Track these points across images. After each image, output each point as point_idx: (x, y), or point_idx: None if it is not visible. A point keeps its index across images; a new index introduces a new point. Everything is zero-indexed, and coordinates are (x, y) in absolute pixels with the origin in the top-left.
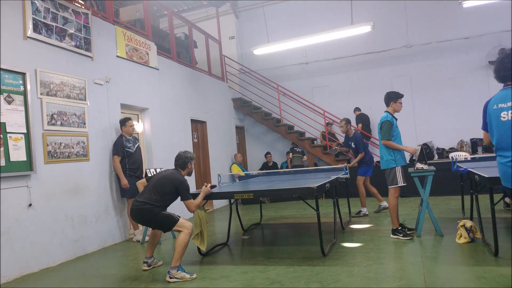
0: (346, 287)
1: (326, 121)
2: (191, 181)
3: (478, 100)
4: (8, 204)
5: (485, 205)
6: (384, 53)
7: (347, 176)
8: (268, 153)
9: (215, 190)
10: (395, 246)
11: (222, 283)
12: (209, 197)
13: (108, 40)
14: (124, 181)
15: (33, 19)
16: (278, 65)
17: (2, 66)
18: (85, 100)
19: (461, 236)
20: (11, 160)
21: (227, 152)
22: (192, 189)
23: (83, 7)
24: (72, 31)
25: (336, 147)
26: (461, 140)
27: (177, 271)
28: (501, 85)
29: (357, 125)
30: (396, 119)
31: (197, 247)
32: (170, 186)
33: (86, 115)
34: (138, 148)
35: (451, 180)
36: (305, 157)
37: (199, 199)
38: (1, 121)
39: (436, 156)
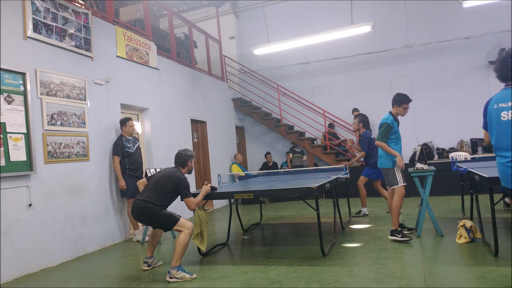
0: (346, 287)
1: (328, 122)
2: (191, 181)
3: (478, 100)
4: (8, 204)
5: (485, 205)
6: (384, 53)
7: (347, 176)
8: (268, 153)
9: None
10: (395, 246)
11: (222, 283)
12: (209, 197)
13: (108, 40)
14: (122, 182)
15: (33, 19)
16: (278, 65)
17: (2, 66)
18: (85, 100)
19: (461, 236)
20: (11, 160)
21: (227, 152)
22: (192, 189)
23: (83, 7)
24: (72, 31)
25: (348, 143)
26: (461, 140)
27: (177, 271)
28: (502, 85)
29: None
30: (398, 122)
31: (197, 247)
32: (170, 185)
33: (86, 115)
34: (138, 148)
35: (451, 180)
36: (304, 157)
37: (199, 197)
38: (1, 121)
39: (436, 156)
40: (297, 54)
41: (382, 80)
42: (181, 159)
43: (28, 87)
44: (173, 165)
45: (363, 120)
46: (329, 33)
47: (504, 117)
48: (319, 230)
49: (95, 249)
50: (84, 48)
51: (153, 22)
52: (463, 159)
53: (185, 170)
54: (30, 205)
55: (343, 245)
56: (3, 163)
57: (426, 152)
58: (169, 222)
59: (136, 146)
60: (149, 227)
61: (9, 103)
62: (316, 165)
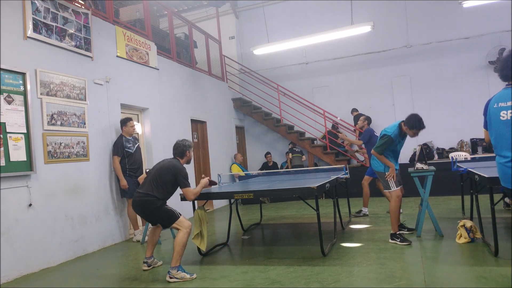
0: (346, 287)
1: (328, 122)
2: (191, 180)
3: (478, 100)
4: (8, 204)
5: (485, 205)
6: (384, 53)
7: (347, 176)
8: (268, 153)
9: (215, 189)
10: (395, 246)
11: (222, 283)
12: (209, 197)
13: (108, 40)
14: (123, 182)
15: (33, 19)
16: (278, 65)
17: (2, 66)
18: (85, 100)
19: (461, 236)
20: (11, 160)
21: (227, 152)
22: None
23: (83, 7)
24: (72, 31)
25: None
26: (461, 140)
27: (177, 271)
28: (502, 85)
29: (355, 125)
30: (405, 137)
31: (197, 247)
32: (169, 175)
33: (86, 115)
34: (138, 148)
35: (451, 180)
36: (304, 157)
37: (198, 188)
38: (1, 121)
39: (436, 156)
40: (297, 54)
41: (382, 80)
42: (180, 149)
43: (28, 87)
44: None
45: (368, 119)
46: (329, 33)
47: (503, 117)
48: (319, 230)
49: (95, 249)
50: (84, 48)
51: (153, 22)
52: (463, 159)
53: (184, 161)
54: (30, 205)
55: (343, 245)
56: (3, 163)
57: (426, 152)
58: (169, 218)
59: (136, 146)
60: (148, 227)
61: (9, 103)
62: (316, 165)
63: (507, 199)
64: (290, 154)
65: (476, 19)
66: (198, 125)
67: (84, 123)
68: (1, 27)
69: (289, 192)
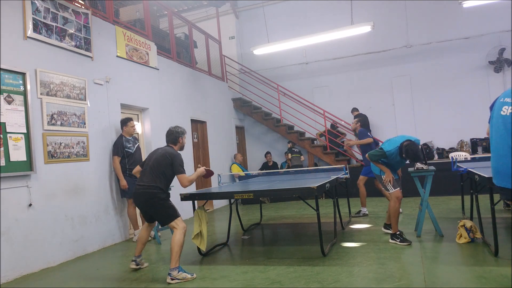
0: (346, 287)
1: (328, 122)
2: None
3: (478, 100)
4: (8, 204)
5: (485, 205)
6: (384, 53)
7: (347, 176)
8: (268, 152)
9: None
10: (395, 246)
11: (222, 283)
12: (209, 197)
13: (108, 40)
14: (123, 182)
15: (33, 19)
16: (278, 65)
17: (2, 66)
18: (85, 100)
19: (461, 236)
20: (11, 160)
21: (227, 152)
22: (192, 188)
23: (83, 7)
24: (72, 31)
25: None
26: (461, 140)
27: (178, 272)
28: (499, 85)
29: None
30: (405, 159)
31: (197, 247)
32: (166, 162)
33: (86, 115)
34: (138, 148)
35: (451, 180)
36: (302, 156)
37: (193, 175)
38: (1, 121)
39: (436, 156)
40: (297, 54)
41: (382, 80)
42: (173, 136)
43: (28, 87)
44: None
45: (362, 121)
46: (329, 33)
47: (504, 112)
48: (319, 230)
49: (95, 249)
50: (84, 48)
51: (153, 22)
52: (463, 159)
53: (177, 147)
54: (30, 205)
55: (343, 245)
56: (3, 163)
57: (426, 152)
58: (170, 215)
59: (136, 146)
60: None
61: (9, 103)
62: (316, 165)
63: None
64: (289, 154)
65: (476, 19)
66: (198, 125)
67: (84, 123)
68: (1, 27)
69: (289, 192)
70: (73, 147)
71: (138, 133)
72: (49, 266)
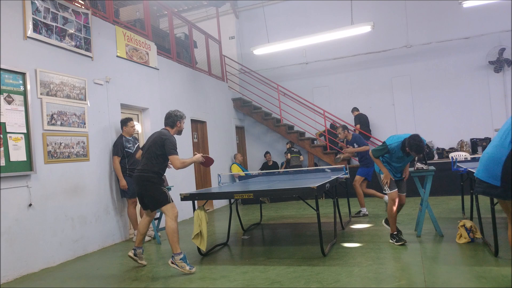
0: (346, 287)
1: (328, 122)
2: (191, 180)
3: (478, 100)
4: (8, 204)
5: (485, 205)
6: (384, 53)
7: (347, 176)
8: (267, 152)
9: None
10: (395, 246)
11: (222, 283)
12: (209, 197)
13: (108, 40)
14: (123, 182)
15: (33, 19)
16: (278, 65)
17: (2, 66)
18: (85, 100)
19: (461, 236)
20: (11, 160)
21: (227, 152)
22: (192, 188)
23: (83, 7)
24: (72, 31)
25: (339, 156)
26: (461, 140)
27: (180, 259)
28: (502, 85)
29: (355, 125)
30: (408, 156)
31: (197, 247)
32: (159, 144)
33: (86, 115)
34: (138, 148)
35: (451, 180)
36: (301, 156)
37: (188, 160)
38: (1, 121)
39: (436, 156)
40: (297, 54)
41: (382, 80)
42: (171, 119)
43: (28, 87)
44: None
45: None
46: (329, 33)
47: None
48: (319, 230)
49: (95, 249)
50: (84, 48)
51: (153, 22)
52: (463, 159)
53: (174, 131)
54: (30, 205)
55: (343, 245)
56: (3, 163)
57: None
58: (161, 200)
59: (136, 146)
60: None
61: (9, 103)
62: (316, 165)
63: None
64: (289, 155)
65: (476, 19)
66: (198, 125)
67: (84, 123)
68: (1, 27)
69: (289, 192)
70: (73, 147)
71: (138, 133)
72: (49, 266)
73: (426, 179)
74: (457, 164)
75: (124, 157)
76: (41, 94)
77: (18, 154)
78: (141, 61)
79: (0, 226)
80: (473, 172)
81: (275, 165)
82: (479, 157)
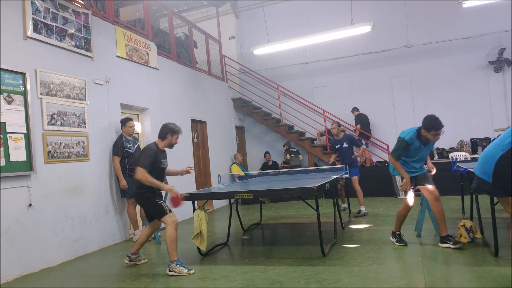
0: (346, 287)
1: (330, 123)
2: (191, 180)
3: (478, 100)
4: (8, 204)
5: (485, 205)
6: (384, 53)
7: (347, 176)
8: (267, 152)
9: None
10: (395, 246)
11: (222, 283)
12: (209, 197)
13: (108, 40)
14: (123, 182)
15: (33, 19)
16: (278, 65)
17: (2, 66)
18: (85, 100)
19: (461, 236)
20: (11, 160)
21: (227, 152)
22: (192, 188)
23: (83, 7)
24: (72, 31)
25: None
26: (461, 140)
27: (176, 265)
28: (499, 85)
29: (355, 125)
30: (426, 143)
31: (197, 247)
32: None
33: (86, 115)
34: (138, 148)
35: (451, 180)
36: (301, 156)
37: (155, 181)
38: (1, 121)
39: (436, 156)
40: (297, 54)
41: (382, 80)
42: (162, 131)
43: (28, 87)
44: (173, 168)
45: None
46: (329, 33)
47: None
48: (319, 230)
49: (95, 249)
50: (84, 48)
51: (153, 22)
52: (463, 159)
53: (164, 143)
54: (30, 205)
55: (343, 245)
56: (3, 163)
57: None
58: (158, 213)
59: (136, 146)
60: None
61: (9, 103)
62: (316, 165)
63: None
64: (288, 155)
65: (476, 19)
66: (198, 125)
67: (84, 123)
68: (1, 27)
69: (289, 192)
70: (73, 147)
71: (138, 133)
72: (49, 266)
73: None
74: (457, 164)
75: (124, 157)
76: (41, 94)
77: (18, 154)
78: (141, 61)
79: (0, 226)
80: (473, 172)
81: (275, 165)
82: (478, 157)
